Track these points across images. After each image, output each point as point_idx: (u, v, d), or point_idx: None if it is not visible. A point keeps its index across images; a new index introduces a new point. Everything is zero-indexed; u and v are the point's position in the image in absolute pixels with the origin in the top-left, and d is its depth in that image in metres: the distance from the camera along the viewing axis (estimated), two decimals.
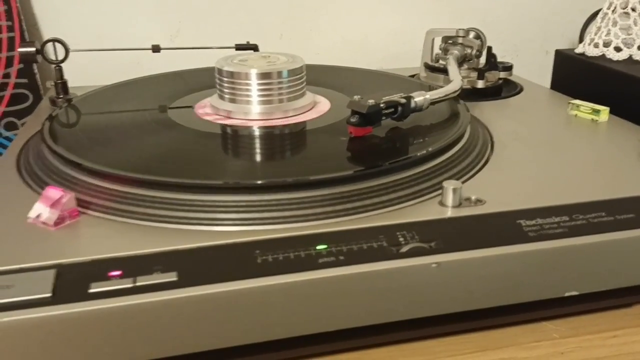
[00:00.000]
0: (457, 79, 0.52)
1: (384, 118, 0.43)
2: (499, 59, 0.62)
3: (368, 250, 0.32)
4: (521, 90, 0.61)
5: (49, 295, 0.28)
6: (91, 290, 0.28)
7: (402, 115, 0.44)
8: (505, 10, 0.79)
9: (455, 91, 0.49)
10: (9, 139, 0.61)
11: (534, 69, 0.75)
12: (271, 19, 0.74)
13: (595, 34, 0.63)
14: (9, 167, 0.42)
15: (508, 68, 0.62)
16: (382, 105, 0.42)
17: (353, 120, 0.41)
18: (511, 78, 0.64)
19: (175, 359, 0.30)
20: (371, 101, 0.41)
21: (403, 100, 0.43)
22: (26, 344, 0.27)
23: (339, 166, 0.38)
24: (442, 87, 0.49)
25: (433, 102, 0.46)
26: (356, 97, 0.42)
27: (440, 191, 0.36)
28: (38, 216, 0.34)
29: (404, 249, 0.32)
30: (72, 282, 0.29)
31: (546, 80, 0.68)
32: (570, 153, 0.44)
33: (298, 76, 0.47)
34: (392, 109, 0.43)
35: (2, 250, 0.31)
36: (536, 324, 0.37)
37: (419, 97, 0.45)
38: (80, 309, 0.27)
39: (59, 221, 0.34)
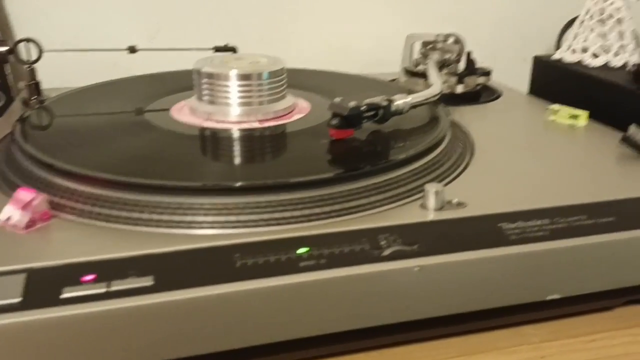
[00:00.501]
0: (437, 83, 0.52)
1: (364, 121, 0.42)
2: (478, 65, 0.62)
3: (350, 254, 0.31)
4: (500, 95, 0.62)
5: (18, 300, 0.27)
6: (63, 296, 0.27)
7: (383, 118, 0.43)
8: (484, 17, 0.80)
9: (436, 95, 0.49)
10: None
11: (511, 75, 0.75)
12: (252, 22, 0.73)
13: (573, 40, 0.64)
14: None
15: (487, 73, 0.62)
16: (363, 107, 0.42)
17: (334, 122, 0.41)
18: (490, 84, 0.64)
19: None
20: (352, 103, 0.41)
21: (384, 103, 0.43)
22: None
23: (320, 168, 0.37)
24: (421, 91, 0.49)
25: (414, 106, 0.46)
26: (337, 99, 0.41)
27: (421, 194, 0.36)
28: (8, 219, 0.33)
29: (386, 252, 0.31)
30: (43, 287, 0.28)
31: (524, 86, 0.69)
32: (550, 157, 0.45)
33: (279, 78, 0.47)
34: (373, 112, 0.43)
35: None
36: (516, 328, 0.37)
37: (400, 100, 0.45)
38: (52, 314, 0.26)
39: (30, 224, 0.33)
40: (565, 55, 0.63)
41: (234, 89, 0.45)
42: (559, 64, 0.62)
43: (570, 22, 0.68)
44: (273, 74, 0.46)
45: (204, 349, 0.29)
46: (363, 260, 0.31)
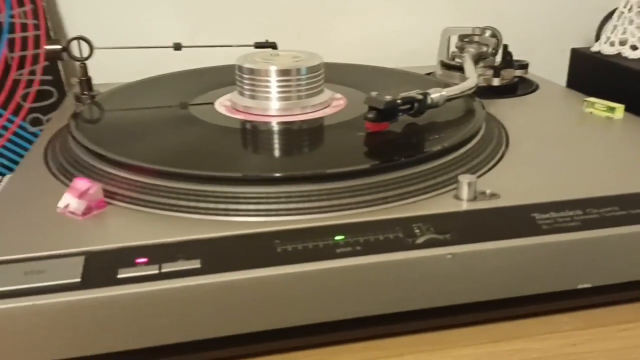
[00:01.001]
0: (472, 76, 0.53)
1: (400, 114, 0.44)
2: (515, 58, 0.63)
3: (384, 241, 0.33)
4: (537, 88, 0.62)
5: (78, 280, 0.29)
6: (119, 276, 0.29)
7: (418, 111, 0.44)
8: (522, 9, 0.80)
9: (471, 88, 0.50)
10: (35, 135, 0.63)
11: (549, 68, 0.75)
12: (289, 18, 0.75)
13: (612, 33, 0.63)
14: (37, 161, 0.44)
15: (524, 66, 0.63)
16: (398, 101, 0.43)
17: (370, 115, 0.42)
18: (527, 76, 0.64)
19: (196, 343, 0.31)
20: (388, 97, 0.42)
21: (419, 97, 0.44)
22: (56, 326, 0.29)
23: (357, 160, 0.39)
24: (457, 84, 0.50)
25: (449, 99, 0.47)
26: (373, 93, 0.42)
27: (455, 185, 0.37)
28: (66, 206, 0.35)
29: (420, 240, 0.33)
30: (101, 268, 0.30)
31: (562, 78, 0.69)
32: (584, 149, 0.45)
33: (316, 73, 0.49)
34: (409, 105, 0.44)
35: (34, 238, 0.33)
36: (548, 317, 0.38)
37: (435, 94, 0.46)
38: (109, 293, 0.29)
39: (87, 211, 0.35)
40: (604, 47, 0.63)
41: (273, 84, 0.47)
42: (597, 56, 0.62)
43: (610, 14, 0.68)
44: (311, 70, 0.48)
45: (246, 328, 0.31)
46: (397, 248, 0.32)
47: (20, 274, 0.29)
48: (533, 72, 0.66)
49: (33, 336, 0.29)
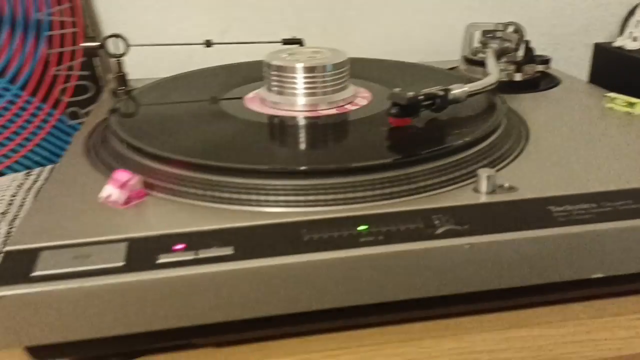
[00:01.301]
0: (494, 72, 0.54)
1: (422, 110, 0.45)
2: (539, 52, 0.63)
3: (405, 231, 0.34)
4: (558, 83, 0.63)
5: (122, 264, 0.32)
6: (159, 261, 0.32)
7: (440, 107, 0.46)
8: (547, 3, 0.80)
9: (492, 84, 0.51)
10: (73, 128, 0.66)
11: (574, 62, 0.76)
12: (316, 15, 0.77)
13: (635, 27, 0.64)
14: (78, 153, 0.46)
15: (546, 61, 0.63)
16: (421, 97, 0.44)
17: (393, 111, 0.44)
18: (549, 71, 0.65)
19: (227, 324, 0.34)
20: (411, 93, 0.44)
21: (441, 93, 0.46)
22: (102, 305, 0.31)
23: (380, 154, 0.40)
24: (480, 79, 0.51)
25: (470, 95, 0.48)
26: (396, 90, 0.44)
27: (475, 178, 0.39)
28: (108, 196, 0.38)
29: (439, 231, 0.34)
30: (142, 254, 0.33)
31: (586, 73, 0.69)
32: (602, 144, 0.46)
33: (341, 70, 0.50)
34: (431, 101, 0.45)
35: (80, 226, 0.35)
36: (564, 305, 0.39)
37: (457, 90, 0.47)
38: (150, 276, 0.31)
39: (127, 201, 0.37)
40: (626, 42, 0.63)
41: (300, 81, 0.49)
42: (619, 51, 0.63)
43: (633, 9, 0.68)
44: (336, 66, 0.50)
45: (273, 311, 0.34)
46: (417, 238, 0.34)
47: (69, 258, 0.32)
48: (557, 67, 0.66)
49: (80, 314, 0.31)
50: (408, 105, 0.43)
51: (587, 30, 0.81)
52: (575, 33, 0.82)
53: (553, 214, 0.36)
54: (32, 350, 0.33)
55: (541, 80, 0.63)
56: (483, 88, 0.50)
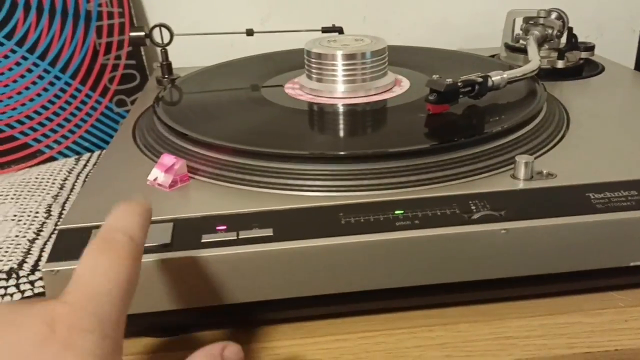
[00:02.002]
0: (535, 59, 0.53)
1: (461, 96, 0.45)
2: (583, 39, 0.62)
3: (441, 216, 0.35)
4: (602, 70, 0.62)
5: (168, 242, 0.33)
6: (203, 240, 0.33)
7: (479, 93, 0.46)
8: None
9: (533, 71, 0.51)
10: (120, 115, 0.69)
11: (619, 49, 0.74)
12: (355, 2, 0.77)
13: None
14: (127, 139, 0.48)
15: (590, 48, 0.62)
16: (459, 84, 0.45)
17: (431, 98, 0.44)
18: (593, 58, 0.64)
19: (265, 303, 0.35)
20: (449, 80, 0.44)
21: (480, 79, 0.46)
22: (150, 281, 0.33)
23: (417, 140, 0.41)
24: (520, 66, 0.51)
25: (510, 81, 0.48)
26: (435, 77, 0.44)
27: (513, 165, 0.39)
28: (155, 179, 0.40)
29: (475, 216, 0.35)
30: (187, 233, 0.34)
31: (632, 59, 0.68)
32: None
33: (380, 57, 0.51)
34: (469, 88, 0.45)
35: None
36: (603, 294, 0.39)
37: (496, 77, 0.47)
38: (195, 254, 0.33)
39: (173, 184, 0.39)
40: None
41: (339, 68, 0.50)
42: None
43: None
44: (375, 53, 0.50)
45: (310, 292, 0.35)
46: (453, 222, 0.34)
47: None
48: (602, 54, 0.65)
49: None
50: (446, 91, 0.44)
51: (633, 16, 0.79)
52: (620, 18, 0.79)
53: (592, 200, 0.36)
54: None
55: (585, 67, 0.62)
56: (523, 75, 0.50)
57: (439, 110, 0.45)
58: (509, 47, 0.65)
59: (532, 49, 0.57)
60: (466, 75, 0.46)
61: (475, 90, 0.46)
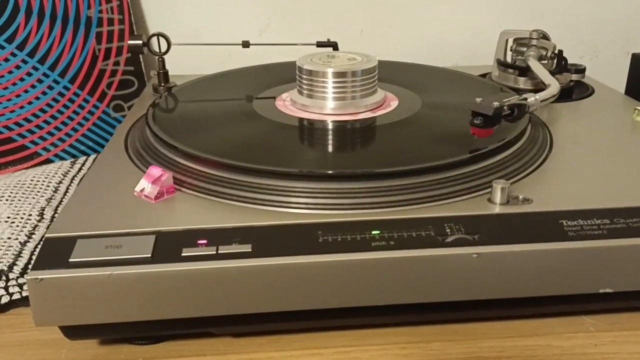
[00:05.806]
0: (554, 82, 0.53)
1: (502, 120, 0.45)
2: (578, 59, 0.63)
3: (417, 238, 0.36)
4: (592, 93, 0.62)
5: (149, 255, 0.34)
6: (183, 254, 0.34)
7: (516, 117, 0.46)
8: (586, 10, 0.79)
9: (554, 95, 0.51)
10: (117, 120, 0.70)
11: (613, 71, 0.74)
12: (353, 16, 0.78)
13: None
14: (119, 147, 0.49)
15: (581, 71, 0.63)
16: (505, 107, 0.44)
17: (477, 122, 0.43)
18: (585, 80, 0.64)
19: (243, 316, 0.36)
20: (495, 103, 0.43)
21: (523, 102, 0.46)
22: (129, 293, 0.34)
23: (396, 161, 0.42)
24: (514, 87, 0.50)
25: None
26: (478, 100, 0.44)
27: (490, 189, 0.40)
28: (142, 190, 0.41)
29: (449, 239, 0.36)
30: (168, 246, 0.35)
31: (625, 82, 0.68)
32: (625, 159, 0.46)
33: (370, 75, 0.52)
34: (510, 111, 0.45)
35: (114, 217, 0.38)
36: (575, 317, 0.40)
37: (531, 99, 0.47)
38: (174, 268, 0.34)
39: (159, 196, 0.40)
40: None
41: (330, 85, 0.51)
42: None
43: None
44: (365, 72, 0.51)
45: (287, 307, 0.36)
46: (427, 245, 0.35)
47: (101, 247, 0.35)
48: (595, 75, 0.66)
49: (109, 300, 0.34)
50: (493, 115, 0.43)
51: (628, 39, 0.80)
52: (615, 41, 0.80)
53: (564, 227, 0.37)
54: (65, 329, 0.36)
55: (575, 89, 0.63)
56: (550, 97, 0.50)
57: (485, 135, 0.44)
58: (501, 64, 0.66)
59: (542, 71, 0.57)
60: (460, 95, 0.46)
61: (514, 114, 0.46)
